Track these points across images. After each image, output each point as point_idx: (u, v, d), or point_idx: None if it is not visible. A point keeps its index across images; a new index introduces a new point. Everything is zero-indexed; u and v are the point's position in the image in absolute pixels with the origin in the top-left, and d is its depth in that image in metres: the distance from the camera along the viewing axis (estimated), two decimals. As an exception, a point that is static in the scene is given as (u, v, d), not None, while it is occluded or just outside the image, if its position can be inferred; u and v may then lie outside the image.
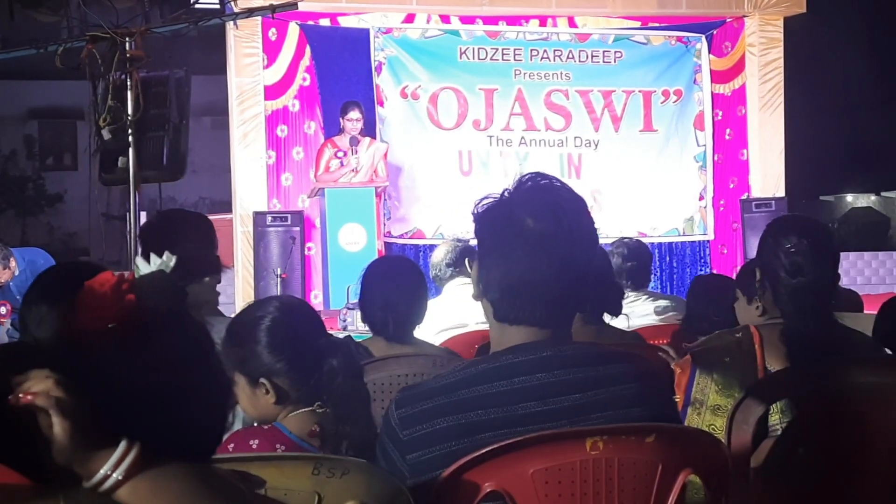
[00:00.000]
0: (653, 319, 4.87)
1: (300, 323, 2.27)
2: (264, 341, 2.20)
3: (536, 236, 1.86)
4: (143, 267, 1.35)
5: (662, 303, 5.05)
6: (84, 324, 1.22)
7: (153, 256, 1.36)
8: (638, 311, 4.88)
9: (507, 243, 1.89)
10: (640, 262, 5.20)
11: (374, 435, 2.08)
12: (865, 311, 4.42)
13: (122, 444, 1.21)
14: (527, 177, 1.96)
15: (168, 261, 1.35)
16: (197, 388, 1.29)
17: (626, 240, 5.40)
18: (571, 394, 1.84)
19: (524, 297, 1.88)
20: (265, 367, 2.19)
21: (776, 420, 2.66)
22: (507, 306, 1.90)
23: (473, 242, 2.08)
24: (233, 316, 2.51)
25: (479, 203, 1.98)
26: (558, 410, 1.83)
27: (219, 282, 3.14)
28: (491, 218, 1.94)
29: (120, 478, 1.20)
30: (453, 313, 4.51)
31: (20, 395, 1.17)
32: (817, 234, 2.76)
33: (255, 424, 2.26)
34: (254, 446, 2.08)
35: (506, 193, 1.95)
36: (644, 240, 9.48)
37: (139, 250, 3.37)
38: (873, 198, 24.65)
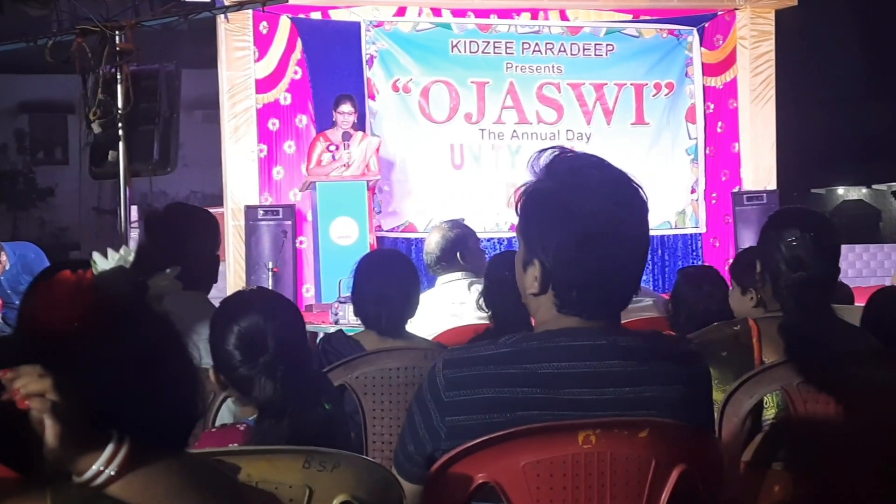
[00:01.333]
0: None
1: (267, 330, 2.20)
2: (216, 336, 2.22)
3: (604, 224, 1.80)
4: (101, 262, 1.34)
5: (648, 300, 5.01)
6: (46, 324, 1.23)
7: (110, 251, 1.35)
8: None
9: (580, 237, 1.80)
10: None
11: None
12: (856, 304, 4.41)
13: (114, 441, 1.21)
14: (577, 156, 1.89)
15: (126, 255, 1.34)
16: (164, 379, 1.29)
17: None
18: (621, 386, 1.81)
19: (595, 292, 1.83)
20: (213, 359, 2.22)
21: (771, 415, 2.65)
22: (577, 301, 1.83)
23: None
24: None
25: (521, 192, 1.88)
26: (604, 401, 1.80)
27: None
28: (557, 208, 1.83)
29: (113, 473, 1.21)
30: (444, 315, 4.40)
31: (15, 395, 1.17)
32: (819, 227, 2.73)
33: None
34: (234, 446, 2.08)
35: (560, 178, 1.85)
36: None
37: (140, 241, 3.34)
38: (864, 190, 24.72)
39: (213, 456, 1.64)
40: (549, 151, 1.89)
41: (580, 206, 1.81)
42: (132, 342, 1.26)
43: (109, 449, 1.21)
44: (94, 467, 1.20)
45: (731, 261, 3.79)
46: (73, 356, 1.21)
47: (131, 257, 1.34)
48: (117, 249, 1.37)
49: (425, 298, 4.50)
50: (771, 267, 2.72)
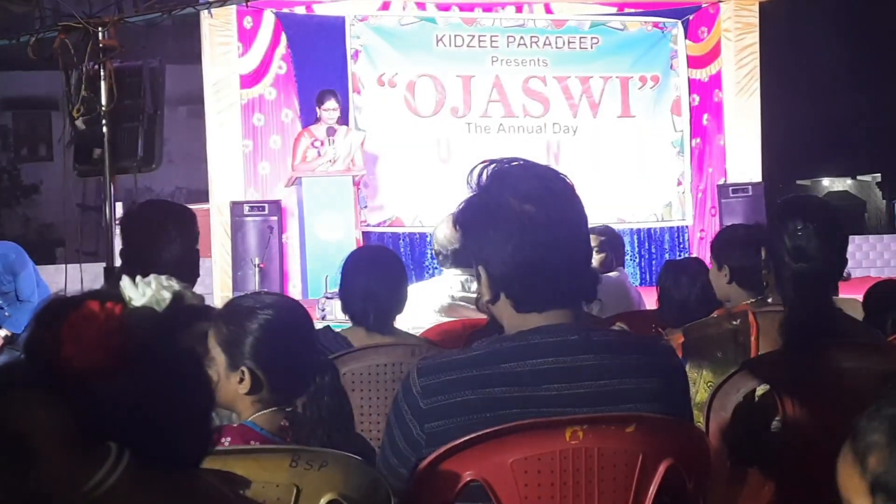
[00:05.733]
0: None
1: (300, 328, 2.26)
2: (262, 332, 2.16)
3: (540, 220, 1.83)
4: (131, 291, 1.30)
5: None
6: (67, 360, 1.21)
7: (141, 283, 1.31)
8: None
9: (511, 235, 1.84)
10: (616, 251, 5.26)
11: (351, 442, 2.09)
12: (841, 295, 4.42)
13: (112, 456, 1.20)
14: (500, 163, 1.93)
15: (158, 292, 1.31)
16: (184, 414, 1.28)
17: (608, 227, 5.43)
18: (597, 380, 1.83)
19: (545, 283, 1.85)
20: (252, 357, 2.16)
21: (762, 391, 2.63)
22: (530, 296, 1.87)
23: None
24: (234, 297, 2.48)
25: (460, 208, 1.93)
26: (582, 395, 1.82)
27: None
28: (484, 215, 1.89)
29: (109, 487, 1.20)
30: (443, 305, 4.35)
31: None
32: (825, 218, 2.70)
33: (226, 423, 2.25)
34: (225, 444, 2.05)
35: (483, 186, 1.90)
36: (622, 225, 9.53)
37: (119, 243, 3.33)
38: (849, 181, 24.80)
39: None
40: (480, 165, 1.93)
41: (505, 206, 1.86)
42: (153, 381, 1.25)
43: (108, 464, 1.21)
44: (92, 481, 1.20)
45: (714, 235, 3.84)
46: (86, 390, 1.20)
47: (166, 295, 1.30)
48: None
49: (428, 285, 4.47)
50: (774, 255, 2.69)
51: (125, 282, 1.31)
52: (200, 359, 1.35)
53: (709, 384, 2.70)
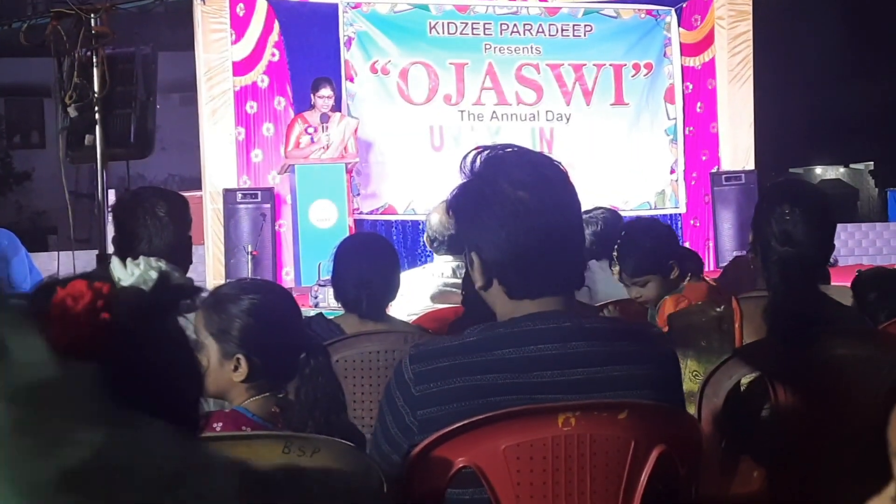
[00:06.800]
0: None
1: (286, 310, 2.26)
2: (249, 316, 2.17)
3: (534, 206, 1.83)
4: (119, 272, 1.30)
5: None
6: (56, 339, 1.20)
7: (130, 263, 1.31)
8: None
9: (504, 221, 1.84)
10: (613, 234, 5.22)
11: (345, 427, 2.09)
12: (833, 283, 4.44)
13: None
14: (494, 149, 1.93)
15: (146, 272, 1.30)
16: (173, 395, 1.27)
17: (601, 210, 5.41)
18: (588, 367, 1.83)
19: (538, 270, 1.85)
20: (243, 342, 2.16)
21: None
22: (523, 283, 1.87)
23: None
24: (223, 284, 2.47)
25: (454, 194, 1.93)
26: (573, 382, 1.82)
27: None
28: (477, 201, 1.88)
29: None
30: (433, 291, 4.37)
31: None
32: (812, 202, 2.69)
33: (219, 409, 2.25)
34: (217, 429, 2.05)
35: (477, 173, 1.90)
36: (615, 214, 9.52)
37: (111, 230, 3.32)
38: (842, 170, 24.85)
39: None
40: (473, 151, 1.94)
41: (499, 192, 1.85)
42: (144, 361, 1.24)
43: None
44: None
45: (618, 247, 3.61)
46: (75, 370, 1.20)
47: (153, 274, 1.30)
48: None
49: (420, 272, 4.47)
50: (761, 239, 2.68)
51: (115, 262, 1.30)
52: (189, 342, 1.34)
53: (694, 373, 2.69)
